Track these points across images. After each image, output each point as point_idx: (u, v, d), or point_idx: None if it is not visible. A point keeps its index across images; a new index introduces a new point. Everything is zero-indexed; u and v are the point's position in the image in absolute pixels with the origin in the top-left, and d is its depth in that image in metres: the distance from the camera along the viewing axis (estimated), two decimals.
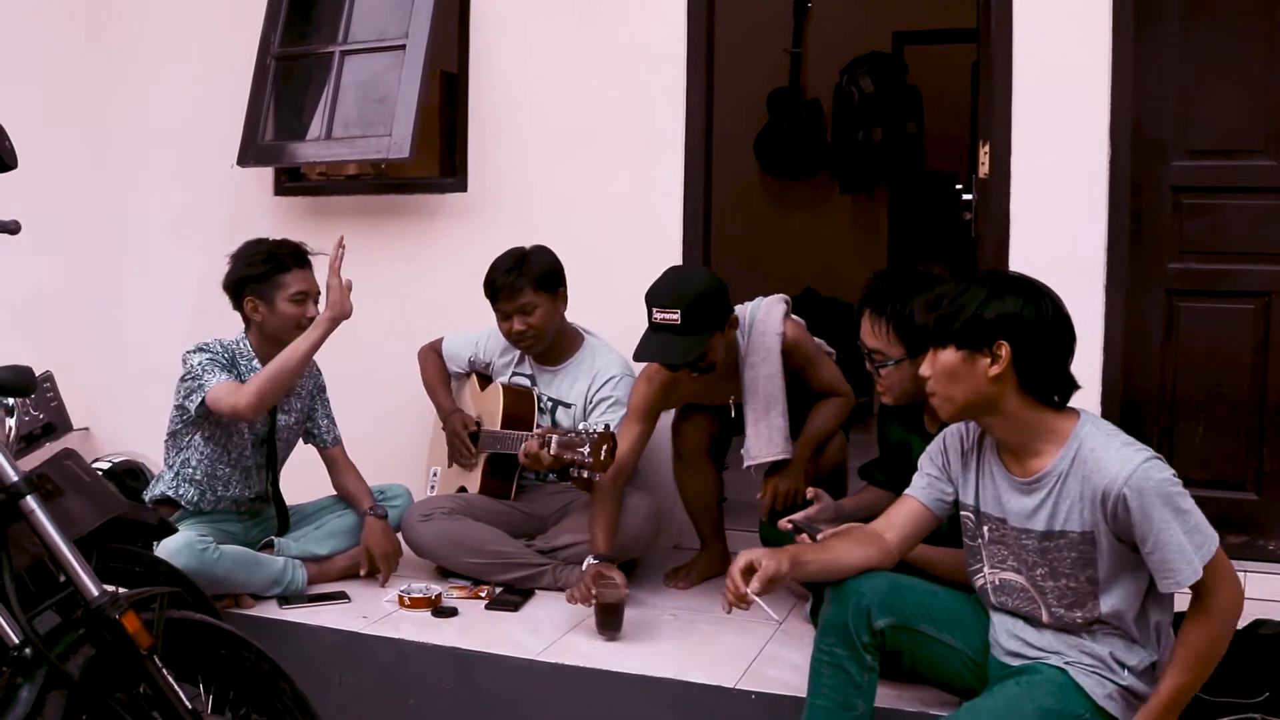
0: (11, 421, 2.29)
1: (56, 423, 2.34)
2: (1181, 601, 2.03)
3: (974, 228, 3.61)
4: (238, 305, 3.12)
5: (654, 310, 2.85)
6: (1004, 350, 2.01)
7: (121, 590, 1.77)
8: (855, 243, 6.42)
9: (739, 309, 3.03)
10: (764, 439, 3.01)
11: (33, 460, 1.94)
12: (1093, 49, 3.16)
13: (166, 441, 3.12)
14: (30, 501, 1.71)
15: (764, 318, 3.04)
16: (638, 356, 2.91)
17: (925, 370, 2.12)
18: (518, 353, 3.43)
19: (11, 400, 2.25)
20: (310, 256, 3.15)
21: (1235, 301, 3.19)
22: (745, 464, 3.05)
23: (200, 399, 2.96)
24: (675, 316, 2.81)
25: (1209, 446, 3.20)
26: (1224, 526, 3.13)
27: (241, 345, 3.11)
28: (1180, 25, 3.17)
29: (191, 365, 3.01)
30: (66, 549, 1.73)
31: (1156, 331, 3.24)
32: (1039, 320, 2.02)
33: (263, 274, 3.06)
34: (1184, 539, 1.92)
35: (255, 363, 3.08)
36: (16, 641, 1.69)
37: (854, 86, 6.36)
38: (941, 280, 2.53)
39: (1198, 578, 1.93)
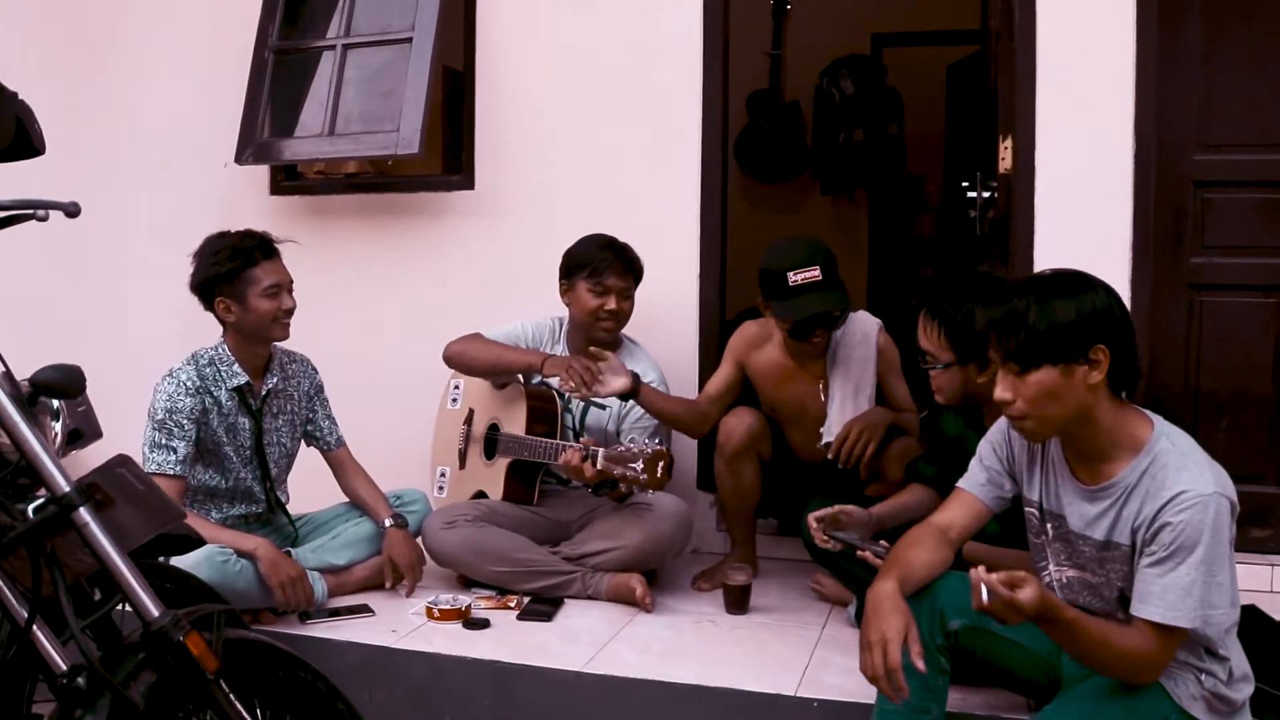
0: (57, 425, 2.13)
1: (85, 429, 2.19)
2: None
3: (980, 226, 3.58)
4: (209, 307, 2.94)
5: (791, 274, 2.88)
6: (1102, 354, 1.91)
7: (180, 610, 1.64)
8: (836, 245, 6.26)
9: None
10: (849, 418, 2.97)
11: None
12: (1116, 41, 3.15)
13: None
14: (84, 514, 1.58)
15: (864, 316, 3.11)
16: (795, 314, 2.90)
17: (1006, 395, 1.96)
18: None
19: (56, 403, 2.09)
20: (278, 245, 2.97)
21: (1257, 296, 3.19)
22: (823, 441, 3.01)
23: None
24: (816, 272, 2.88)
25: (1232, 441, 3.19)
26: (1249, 522, 3.16)
27: (221, 352, 2.94)
28: (1202, 18, 3.17)
29: (155, 405, 2.86)
30: (124, 565, 1.59)
31: (1179, 326, 3.24)
32: (1121, 310, 1.95)
33: (231, 271, 2.87)
34: (1194, 586, 1.84)
35: (236, 367, 2.92)
36: (64, 668, 1.56)
37: (834, 88, 6.31)
38: (1000, 283, 2.47)
39: (1166, 623, 1.85)
